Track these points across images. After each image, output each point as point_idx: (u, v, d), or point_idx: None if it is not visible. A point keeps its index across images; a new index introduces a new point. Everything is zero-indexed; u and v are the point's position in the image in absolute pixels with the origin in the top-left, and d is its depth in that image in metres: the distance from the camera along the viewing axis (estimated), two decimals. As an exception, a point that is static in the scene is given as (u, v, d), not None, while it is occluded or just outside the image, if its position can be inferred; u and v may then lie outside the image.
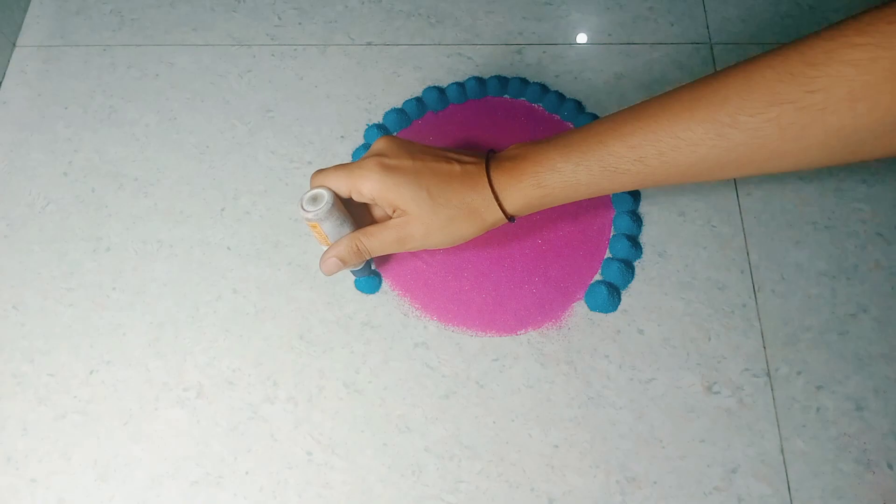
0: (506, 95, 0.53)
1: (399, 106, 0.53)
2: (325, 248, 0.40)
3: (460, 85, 0.53)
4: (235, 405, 0.43)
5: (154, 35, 0.57)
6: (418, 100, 0.53)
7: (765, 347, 0.44)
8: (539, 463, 0.41)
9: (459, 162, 0.38)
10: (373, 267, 0.46)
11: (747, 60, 0.31)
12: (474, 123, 0.52)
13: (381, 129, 0.52)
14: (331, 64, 0.55)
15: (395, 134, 0.52)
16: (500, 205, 0.37)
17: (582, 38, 0.56)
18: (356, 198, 0.39)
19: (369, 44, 0.56)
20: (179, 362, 0.44)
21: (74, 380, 0.44)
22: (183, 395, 0.43)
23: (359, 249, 0.39)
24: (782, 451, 0.41)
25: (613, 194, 0.49)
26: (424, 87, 0.53)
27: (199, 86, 0.54)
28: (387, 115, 0.52)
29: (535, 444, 0.42)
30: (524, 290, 0.46)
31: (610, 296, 0.45)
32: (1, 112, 0.54)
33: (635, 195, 0.48)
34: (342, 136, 0.52)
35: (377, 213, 0.41)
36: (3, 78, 0.56)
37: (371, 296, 0.46)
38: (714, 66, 0.54)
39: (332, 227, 0.39)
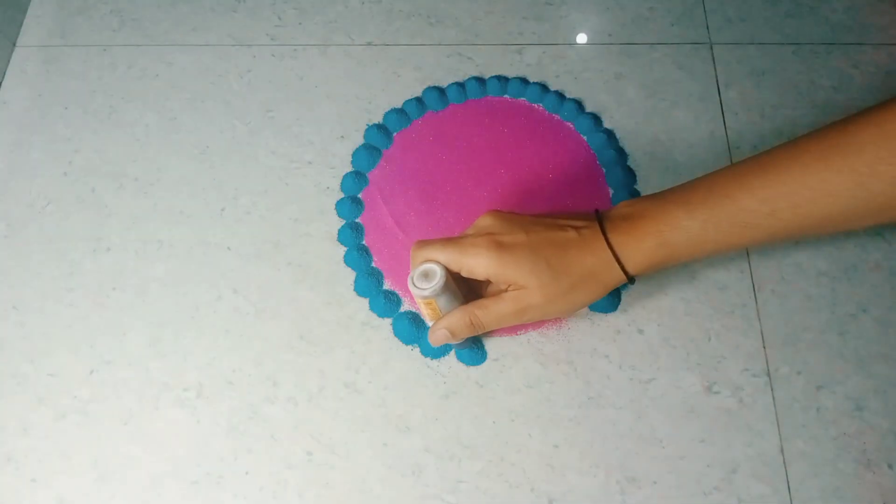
0: (506, 95, 0.53)
1: (399, 106, 0.53)
2: (431, 322, 0.39)
3: (460, 85, 0.53)
4: (235, 405, 0.43)
5: (154, 35, 0.57)
6: (418, 100, 0.53)
7: (765, 347, 0.44)
8: (539, 463, 0.41)
9: (573, 227, 0.37)
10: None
11: (878, 106, 0.31)
12: (474, 123, 0.52)
13: (381, 129, 0.52)
14: (331, 64, 0.55)
15: (393, 134, 0.52)
16: (621, 266, 0.36)
17: (582, 38, 0.56)
18: (466, 275, 0.37)
19: (369, 44, 0.56)
20: (179, 362, 0.44)
21: (74, 380, 0.44)
22: (183, 395, 0.43)
23: (472, 323, 0.38)
24: (782, 451, 0.41)
25: (612, 192, 0.49)
26: (424, 87, 0.53)
27: (199, 86, 0.54)
28: (387, 115, 0.52)
29: (535, 444, 0.42)
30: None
31: (610, 296, 0.45)
32: (1, 112, 0.54)
33: (634, 194, 0.48)
34: (342, 136, 0.52)
35: (490, 286, 0.40)
36: (3, 78, 0.56)
37: (370, 297, 0.46)
38: (714, 65, 0.54)
39: (446, 302, 0.38)
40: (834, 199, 0.32)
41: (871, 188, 0.31)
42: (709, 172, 0.37)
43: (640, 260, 0.36)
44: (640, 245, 0.36)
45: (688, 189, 0.37)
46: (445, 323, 0.38)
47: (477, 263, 0.36)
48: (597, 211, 0.39)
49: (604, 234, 0.37)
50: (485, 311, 0.37)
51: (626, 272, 0.37)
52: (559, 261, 0.36)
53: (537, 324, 0.45)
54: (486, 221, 0.38)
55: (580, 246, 0.37)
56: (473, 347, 0.44)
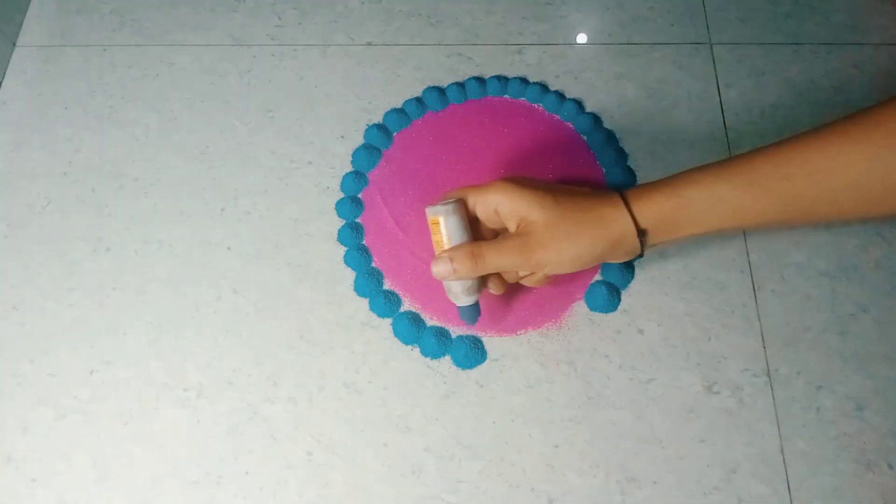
0: (506, 95, 0.53)
1: (399, 106, 0.53)
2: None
3: (460, 85, 0.53)
4: (235, 405, 0.43)
5: (154, 35, 0.57)
6: (418, 100, 0.53)
7: (765, 347, 0.44)
8: (539, 463, 0.41)
9: (591, 187, 0.38)
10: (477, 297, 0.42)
11: None
12: (474, 123, 0.52)
13: (381, 129, 0.52)
14: (331, 64, 0.55)
15: (393, 134, 0.52)
16: (630, 213, 0.36)
17: (582, 38, 0.56)
18: (481, 211, 0.38)
19: (369, 44, 0.56)
20: (179, 362, 0.44)
21: (74, 380, 0.44)
22: (183, 395, 0.43)
23: (473, 254, 0.37)
24: (782, 451, 0.41)
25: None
26: (424, 87, 0.53)
27: (199, 86, 0.54)
28: (387, 115, 0.52)
29: (535, 444, 0.42)
30: (524, 290, 0.46)
31: (610, 296, 0.45)
32: (1, 112, 0.54)
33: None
34: (342, 136, 0.52)
35: (503, 234, 0.40)
36: (3, 78, 0.56)
37: (369, 298, 0.46)
38: (714, 66, 0.54)
39: (455, 227, 0.38)
40: (849, 169, 0.32)
41: (886, 160, 0.31)
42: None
43: (651, 208, 0.36)
44: (652, 194, 0.36)
45: (705, 165, 0.37)
46: (449, 253, 0.38)
47: (489, 192, 0.37)
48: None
49: (620, 192, 0.37)
50: (489, 246, 0.37)
51: (635, 221, 0.36)
52: (566, 198, 0.36)
53: (537, 323, 0.45)
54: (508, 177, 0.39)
55: (592, 194, 0.37)
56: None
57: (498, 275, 0.40)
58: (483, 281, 0.40)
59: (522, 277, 0.41)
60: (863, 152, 0.31)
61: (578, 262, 0.37)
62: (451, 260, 0.37)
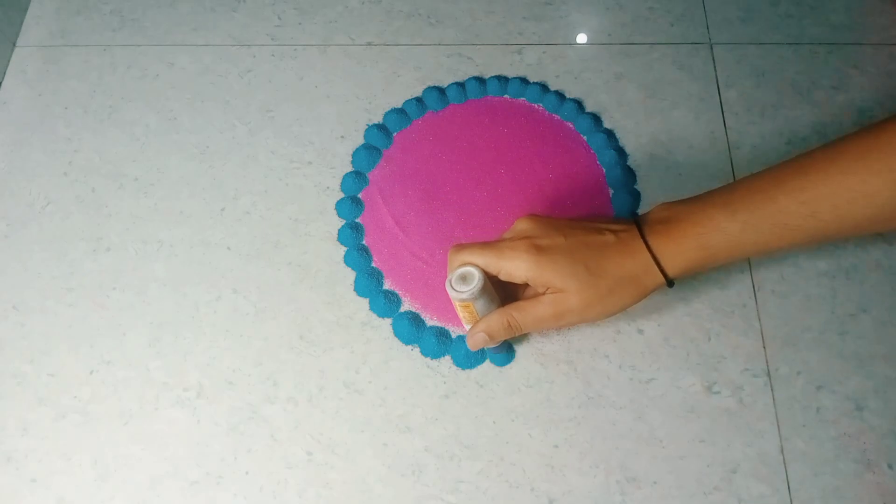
0: (506, 95, 0.53)
1: (399, 106, 0.53)
2: (469, 326, 0.39)
3: (460, 85, 0.53)
4: (235, 405, 0.43)
5: (154, 35, 0.57)
6: (418, 100, 0.53)
7: (765, 347, 0.44)
8: (539, 463, 0.41)
9: (611, 231, 0.37)
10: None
11: None
12: (474, 123, 0.52)
13: (381, 129, 0.52)
14: (331, 64, 0.55)
15: (393, 134, 0.52)
16: (661, 270, 0.36)
17: (582, 38, 0.56)
18: (504, 278, 0.37)
19: (369, 44, 0.56)
20: (179, 362, 0.44)
21: (74, 380, 0.44)
22: (183, 395, 0.43)
23: (510, 325, 0.38)
24: (782, 451, 0.41)
25: (612, 192, 0.49)
26: (424, 87, 0.53)
27: (199, 86, 0.54)
28: (387, 115, 0.52)
29: (535, 444, 0.42)
30: (524, 290, 0.46)
31: (610, 296, 0.45)
32: (1, 112, 0.54)
33: (634, 193, 0.48)
34: (342, 136, 0.52)
35: (527, 289, 0.40)
36: (3, 78, 0.56)
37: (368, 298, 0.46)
38: (714, 65, 0.54)
39: (484, 305, 0.38)
40: (872, 200, 0.32)
41: None
42: (746, 175, 0.37)
43: (680, 263, 0.36)
44: (679, 248, 0.36)
45: (727, 191, 0.37)
46: (483, 326, 0.38)
47: (516, 267, 0.36)
48: (634, 214, 0.39)
49: (643, 237, 0.37)
50: (523, 314, 0.37)
51: (665, 275, 0.36)
52: (598, 265, 0.36)
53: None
54: (523, 225, 0.38)
55: (619, 249, 0.37)
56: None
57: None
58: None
59: None
60: (885, 182, 0.32)
61: (608, 316, 0.38)
62: (488, 334, 0.38)
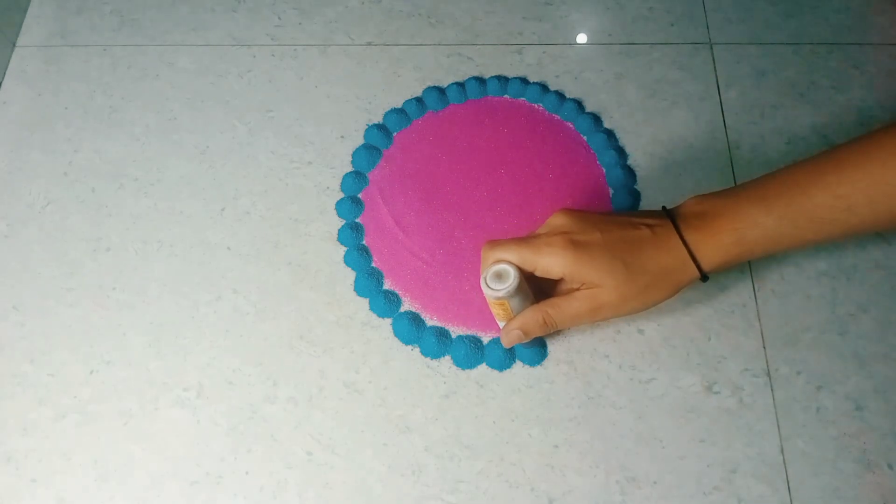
0: (506, 95, 0.53)
1: (399, 106, 0.53)
2: (502, 323, 0.39)
3: (460, 85, 0.53)
4: (235, 405, 0.43)
5: (154, 35, 0.57)
6: (418, 100, 0.53)
7: (765, 347, 0.44)
8: (539, 463, 0.41)
9: (647, 226, 0.37)
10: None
11: None
12: (474, 123, 0.52)
13: (381, 129, 0.52)
14: (331, 64, 0.55)
15: (393, 134, 0.52)
16: (697, 265, 0.36)
17: (582, 38, 0.56)
18: (541, 275, 0.37)
19: (369, 44, 0.56)
20: (179, 362, 0.44)
21: (74, 380, 0.44)
22: (183, 395, 0.43)
23: (545, 322, 0.37)
24: (782, 451, 0.41)
25: (612, 192, 0.49)
26: (424, 87, 0.53)
27: (199, 86, 0.54)
28: (387, 115, 0.52)
29: (535, 444, 0.42)
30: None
31: (610, 296, 0.45)
32: (1, 112, 0.54)
33: (634, 194, 0.48)
34: (342, 136, 0.52)
35: (561, 285, 0.39)
36: (3, 78, 0.56)
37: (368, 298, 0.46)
38: (714, 65, 0.54)
39: (519, 303, 0.38)
40: None
41: None
42: (779, 168, 0.37)
43: (715, 257, 0.36)
44: (716, 243, 0.36)
45: (761, 185, 0.37)
46: (518, 323, 0.38)
47: (552, 263, 0.36)
48: (664, 208, 0.39)
49: (678, 232, 0.37)
50: (558, 310, 0.37)
51: (701, 270, 0.36)
52: (634, 259, 0.36)
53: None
54: (559, 220, 0.38)
55: (655, 244, 0.37)
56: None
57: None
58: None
59: None
60: None
61: (643, 310, 0.38)
62: (523, 331, 0.38)
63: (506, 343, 0.39)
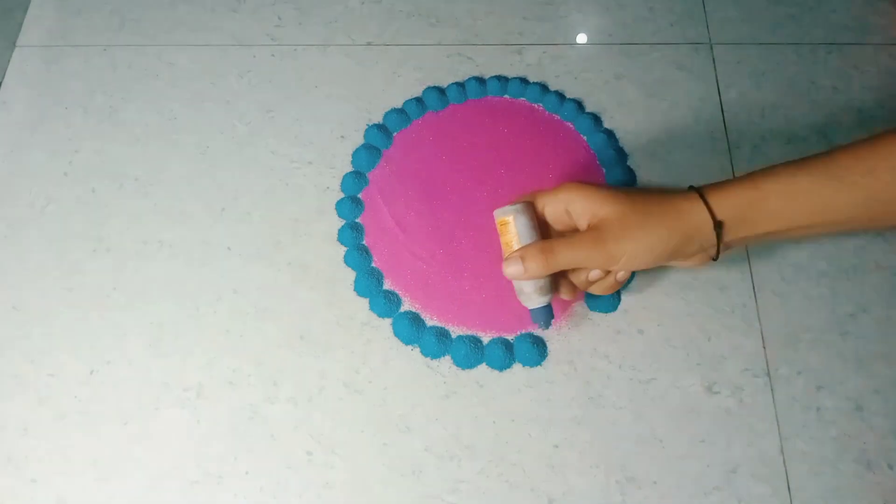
0: (506, 95, 0.53)
1: (399, 106, 0.53)
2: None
3: (460, 85, 0.53)
4: (235, 405, 0.43)
5: (154, 35, 0.57)
6: (418, 100, 0.53)
7: (765, 347, 0.44)
8: (539, 463, 0.41)
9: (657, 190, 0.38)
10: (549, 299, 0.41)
11: None
12: (474, 123, 0.52)
13: (381, 129, 0.52)
14: (331, 64, 0.55)
15: (393, 134, 0.52)
16: (705, 203, 0.35)
17: (582, 38, 0.56)
18: (550, 213, 0.38)
19: (369, 44, 0.56)
20: (179, 362, 0.44)
21: (74, 380, 0.44)
22: (183, 395, 0.43)
23: (544, 250, 0.37)
24: (782, 451, 0.41)
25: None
26: (424, 87, 0.53)
27: (199, 86, 0.54)
28: (387, 115, 0.52)
29: (535, 444, 0.42)
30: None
31: (610, 296, 0.45)
32: (1, 112, 0.54)
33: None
34: (342, 136, 0.52)
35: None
36: (3, 78, 0.56)
37: (368, 298, 0.46)
38: (714, 66, 0.54)
39: (524, 227, 0.38)
40: None
41: None
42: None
43: (727, 198, 0.35)
44: (727, 188, 0.35)
45: (779, 164, 0.36)
46: (520, 252, 0.37)
47: (560, 193, 0.37)
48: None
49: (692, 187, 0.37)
50: (561, 241, 0.37)
51: (711, 212, 0.35)
52: (640, 194, 0.36)
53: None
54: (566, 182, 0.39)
55: (665, 189, 0.37)
56: (472, 347, 0.43)
57: (569, 280, 0.40)
58: (555, 284, 0.40)
59: (593, 283, 0.39)
60: None
61: (653, 255, 0.36)
62: (523, 259, 0.37)
63: (507, 273, 0.38)
